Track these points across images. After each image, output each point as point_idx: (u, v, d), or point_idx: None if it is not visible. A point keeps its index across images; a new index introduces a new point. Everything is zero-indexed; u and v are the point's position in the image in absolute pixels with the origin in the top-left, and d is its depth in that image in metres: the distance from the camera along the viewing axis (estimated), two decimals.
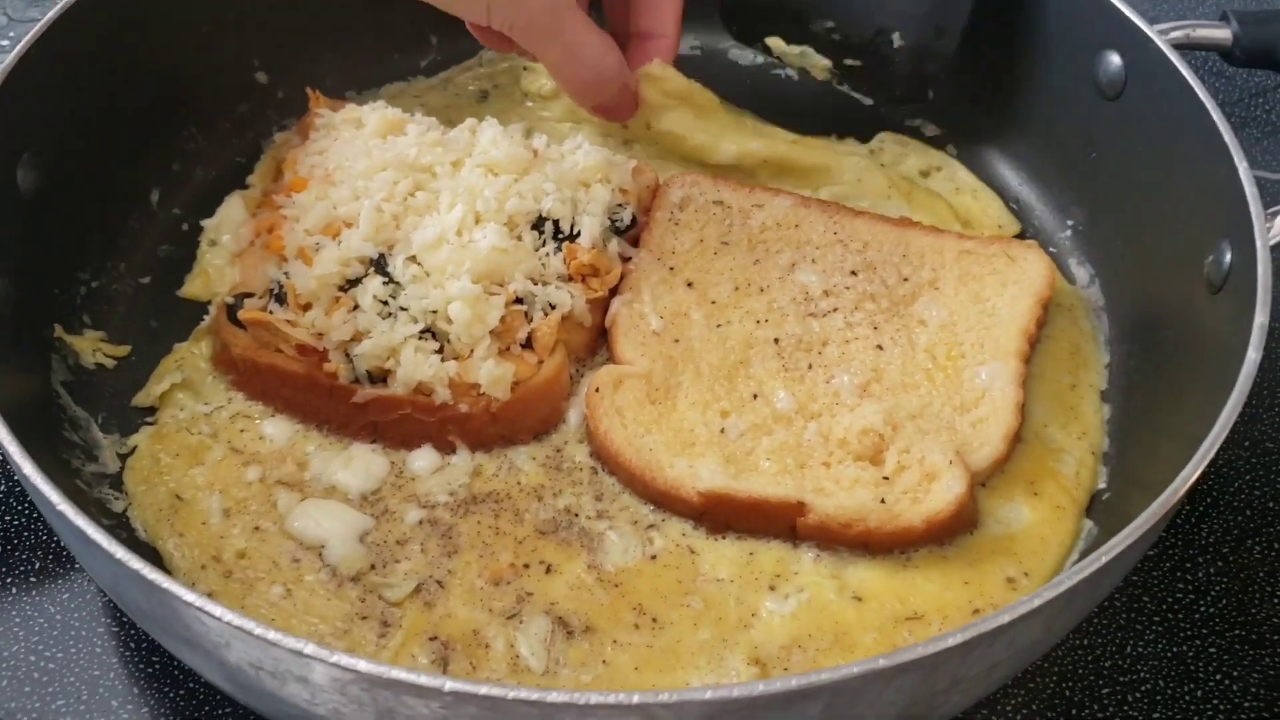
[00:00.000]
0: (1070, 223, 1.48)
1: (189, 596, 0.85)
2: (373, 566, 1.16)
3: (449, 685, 0.81)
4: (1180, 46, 1.37)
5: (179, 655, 1.04)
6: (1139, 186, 1.38)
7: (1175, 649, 1.19)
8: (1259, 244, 1.13)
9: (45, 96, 1.28)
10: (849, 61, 1.52)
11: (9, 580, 1.20)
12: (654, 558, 1.17)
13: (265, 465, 1.23)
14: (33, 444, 1.00)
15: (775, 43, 1.54)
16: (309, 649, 0.82)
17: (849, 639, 1.11)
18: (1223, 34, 1.50)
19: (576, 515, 1.20)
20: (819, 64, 1.54)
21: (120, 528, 1.16)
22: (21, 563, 1.22)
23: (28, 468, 0.95)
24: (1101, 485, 1.24)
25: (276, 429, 1.26)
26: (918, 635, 1.11)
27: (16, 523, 1.25)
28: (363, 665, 0.82)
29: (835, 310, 1.32)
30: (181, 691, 1.14)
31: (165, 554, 1.16)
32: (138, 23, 1.39)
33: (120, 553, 0.89)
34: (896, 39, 1.47)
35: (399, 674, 0.82)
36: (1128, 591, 1.22)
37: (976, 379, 1.27)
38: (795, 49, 1.54)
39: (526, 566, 1.16)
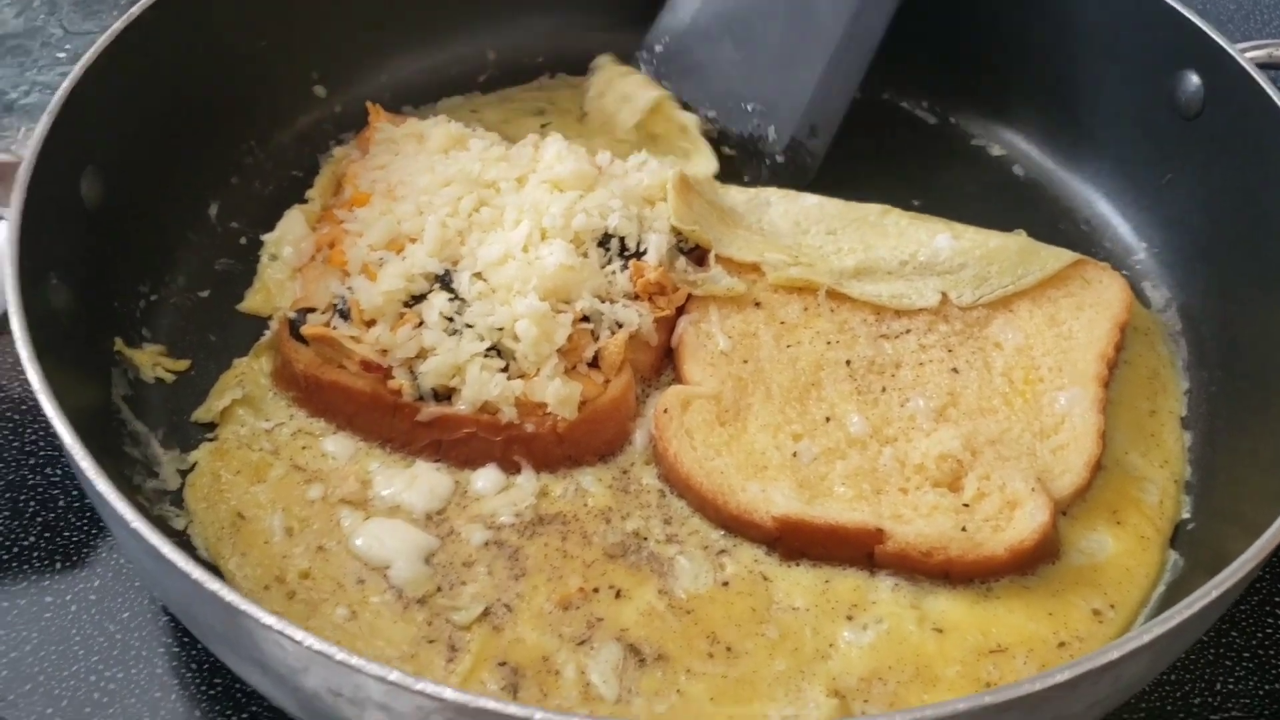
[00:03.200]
0: (1145, 245, 1.45)
1: (268, 619, 0.83)
2: (439, 588, 1.13)
3: (539, 715, 0.78)
4: (1263, 66, 1.34)
5: (248, 679, 1.01)
6: (1219, 208, 1.35)
7: (1267, 686, 1.15)
8: None
9: (109, 109, 1.27)
10: (725, 150, 1.53)
11: (69, 598, 1.18)
12: (726, 584, 1.14)
13: (328, 483, 1.20)
14: (102, 461, 0.97)
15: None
16: (393, 676, 0.80)
17: (930, 672, 1.08)
18: None
19: (645, 539, 1.17)
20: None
21: (182, 546, 1.13)
22: (80, 580, 1.19)
23: (102, 485, 0.93)
24: (1185, 515, 1.21)
25: (338, 446, 1.24)
26: (1002, 669, 1.08)
27: (76, 539, 1.22)
28: (448, 694, 0.79)
29: (908, 332, 1.29)
30: (244, 715, 1.11)
31: (227, 573, 1.13)
32: (197, 37, 1.38)
33: (197, 573, 0.86)
34: (771, 133, 1.51)
35: (486, 703, 0.79)
36: (1216, 626, 1.18)
37: (1056, 404, 1.24)
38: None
39: (596, 591, 1.13)
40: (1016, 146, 1.56)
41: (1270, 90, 1.27)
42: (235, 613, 0.85)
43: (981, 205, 1.47)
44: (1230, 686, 1.15)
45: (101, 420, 1.19)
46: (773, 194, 1.43)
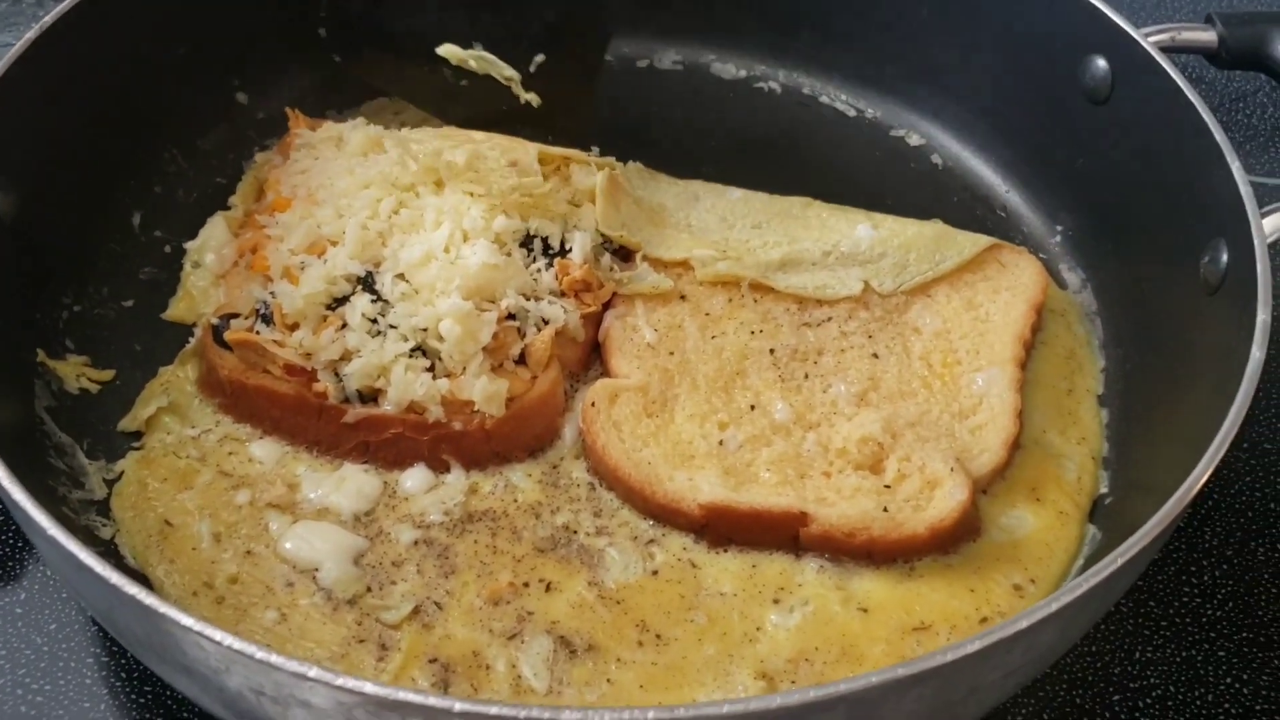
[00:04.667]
0: (1059, 228, 1.48)
1: (187, 621, 0.83)
2: (369, 589, 1.13)
3: (459, 706, 0.79)
4: (1166, 49, 1.37)
5: (175, 683, 1.01)
6: (1129, 190, 1.38)
7: (1184, 653, 1.18)
8: (1256, 242, 1.12)
9: (22, 120, 1.26)
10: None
11: None
12: (655, 573, 1.15)
13: (255, 488, 1.20)
14: (19, 470, 0.97)
15: (449, 50, 1.49)
16: (313, 672, 0.80)
17: (856, 651, 1.10)
18: (1208, 36, 1.50)
19: (575, 532, 1.18)
20: (503, 72, 1.51)
21: (109, 555, 1.13)
22: (6, 594, 1.18)
23: (17, 493, 0.92)
24: (1103, 490, 1.23)
25: (265, 451, 1.23)
26: (926, 645, 1.10)
27: (1, 553, 1.21)
28: (369, 688, 0.80)
29: (830, 320, 1.31)
30: None
31: (155, 581, 1.13)
32: (113, 45, 1.37)
33: (115, 578, 0.86)
34: None
35: (406, 695, 0.80)
36: (1134, 596, 1.21)
37: (973, 385, 1.26)
38: (472, 54, 1.51)
39: (526, 585, 1.14)
40: (934, 136, 1.58)
41: (1174, 73, 1.30)
42: (155, 616, 0.85)
43: (902, 194, 1.50)
44: (1149, 655, 1.18)
45: (24, 432, 1.18)
46: (700, 188, 1.45)
